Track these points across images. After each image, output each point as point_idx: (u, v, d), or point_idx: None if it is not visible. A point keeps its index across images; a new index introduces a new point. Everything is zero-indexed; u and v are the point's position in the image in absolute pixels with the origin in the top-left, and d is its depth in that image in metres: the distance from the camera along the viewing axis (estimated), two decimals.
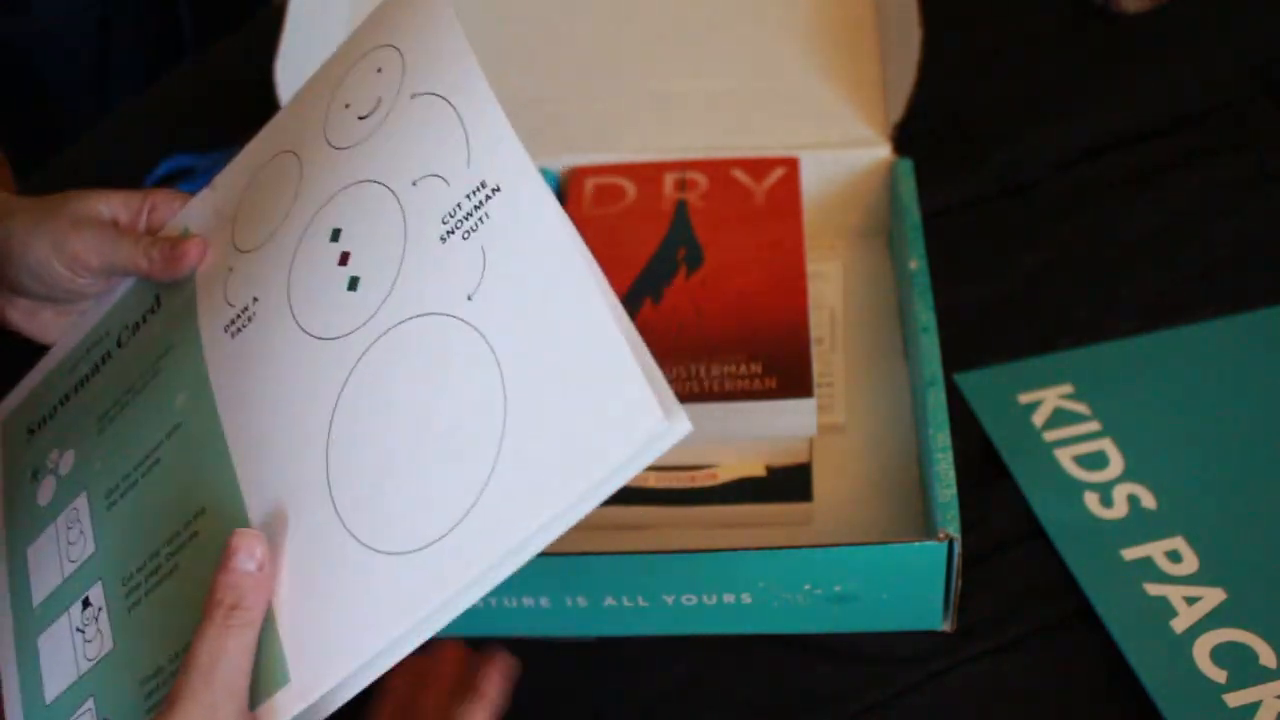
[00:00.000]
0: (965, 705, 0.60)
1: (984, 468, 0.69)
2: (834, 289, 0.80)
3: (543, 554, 0.59)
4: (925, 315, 0.69)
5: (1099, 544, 0.65)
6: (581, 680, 0.63)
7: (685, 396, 0.66)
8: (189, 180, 0.95)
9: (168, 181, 0.96)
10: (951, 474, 0.61)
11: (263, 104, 0.81)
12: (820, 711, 0.60)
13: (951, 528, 0.58)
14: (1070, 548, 0.65)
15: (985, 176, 0.88)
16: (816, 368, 0.73)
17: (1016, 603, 0.63)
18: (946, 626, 0.62)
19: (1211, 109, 0.91)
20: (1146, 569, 0.63)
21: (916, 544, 0.58)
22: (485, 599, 0.60)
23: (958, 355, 0.75)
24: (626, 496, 0.67)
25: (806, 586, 0.60)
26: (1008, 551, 0.65)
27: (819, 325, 0.77)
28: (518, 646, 0.64)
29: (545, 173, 0.82)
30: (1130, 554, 0.63)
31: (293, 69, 0.82)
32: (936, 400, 0.64)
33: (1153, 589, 0.62)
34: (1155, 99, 0.92)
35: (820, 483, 0.68)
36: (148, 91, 1.12)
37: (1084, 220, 0.85)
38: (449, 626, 0.62)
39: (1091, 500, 0.67)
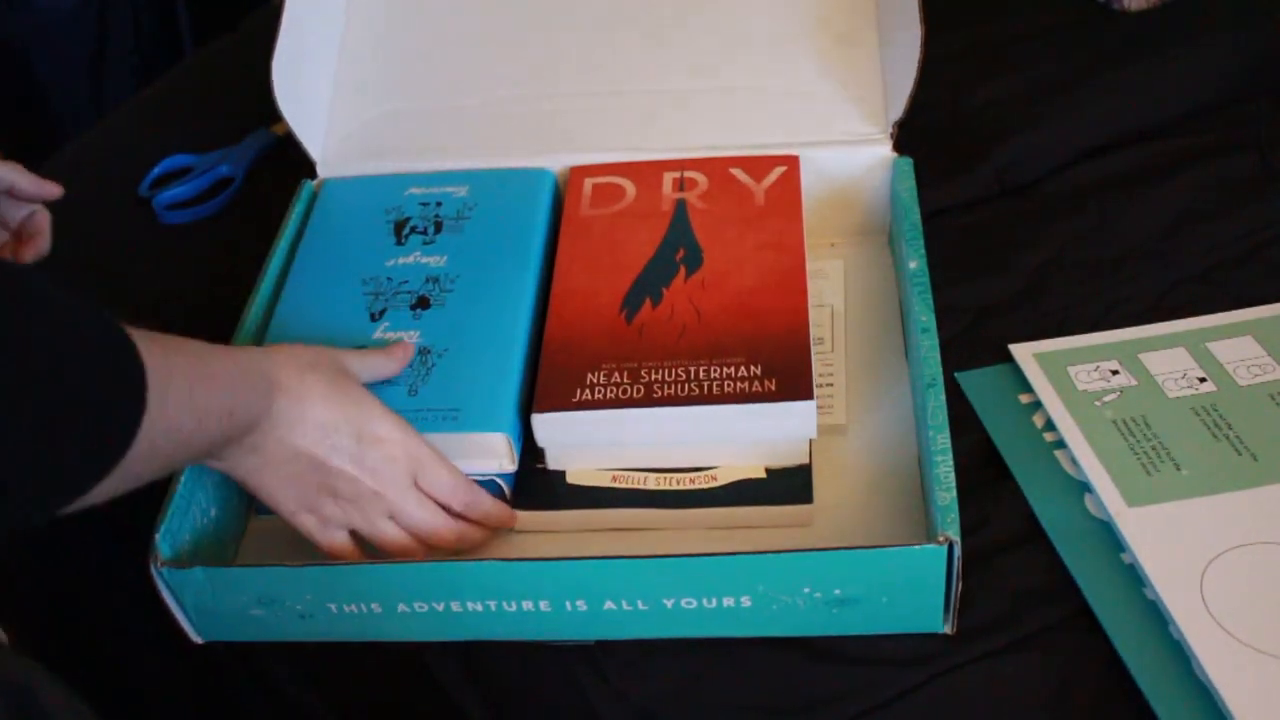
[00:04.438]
0: (965, 707, 0.60)
1: (986, 468, 0.69)
2: (834, 288, 0.80)
3: (543, 558, 0.60)
4: (925, 315, 0.69)
5: (1098, 547, 0.64)
6: (580, 681, 0.62)
7: (685, 399, 0.66)
8: (186, 179, 0.95)
9: (164, 181, 0.96)
10: (951, 477, 0.61)
11: (260, 104, 0.81)
12: (819, 713, 0.60)
13: (951, 531, 0.58)
14: (1070, 550, 0.65)
15: (985, 176, 0.88)
16: (817, 368, 0.73)
17: (1017, 605, 0.63)
18: (947, 629, 0.61)
19: (1213, 108, 0.91)
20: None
21: (916, 547, 0.58)
22: (484, 601, 0.60)
23: (958, 355, 0.75)
24: (626, 499, 0.67)
25: (806, 590, 0.59)
26: (1008, 553, 0.65)
27: (819, 324, 0.77)
28: (517, 648, 0.64)
29: (544, 173, 0.82)
30: (1129, 557, 0.63)
31: (288, 69, 0.82)
32: (936, 401, 0.64)
33: (1151, 593, 0.61)
34: (1157, 98, 0.92)
35: (820, 484, 0.68)
36: (145, 91, 1.12)
37: (1084, 220, 0.85)
38: (445, 632, 0.63)
39: (1091, 502, 0.66)
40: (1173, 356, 0.73)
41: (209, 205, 0.93)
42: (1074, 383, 0.72)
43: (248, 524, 0.71)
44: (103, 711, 0.74)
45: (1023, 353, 0.75)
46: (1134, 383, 0.72)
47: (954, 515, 0.59)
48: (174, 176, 0.96)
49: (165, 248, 0.92)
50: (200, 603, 0.64)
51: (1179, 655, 0.59)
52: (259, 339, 0.73)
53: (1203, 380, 0.71)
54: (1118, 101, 0.92)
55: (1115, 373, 0.72)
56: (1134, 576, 0.63)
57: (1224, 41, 0.94)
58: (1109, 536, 0.65)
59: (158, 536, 0.62)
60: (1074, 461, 0.68)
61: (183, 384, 0.53)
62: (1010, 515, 0.67)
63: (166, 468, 0.56)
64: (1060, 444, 0.69)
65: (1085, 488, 0.67)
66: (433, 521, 0.65)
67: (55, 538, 0.75)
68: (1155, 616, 0.61)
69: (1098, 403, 0.71)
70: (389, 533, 0.65)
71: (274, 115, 0.82)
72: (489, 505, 0.67)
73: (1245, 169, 0.86)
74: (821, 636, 0.62)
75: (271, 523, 0.71)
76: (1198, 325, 0.75)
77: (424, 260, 0.76)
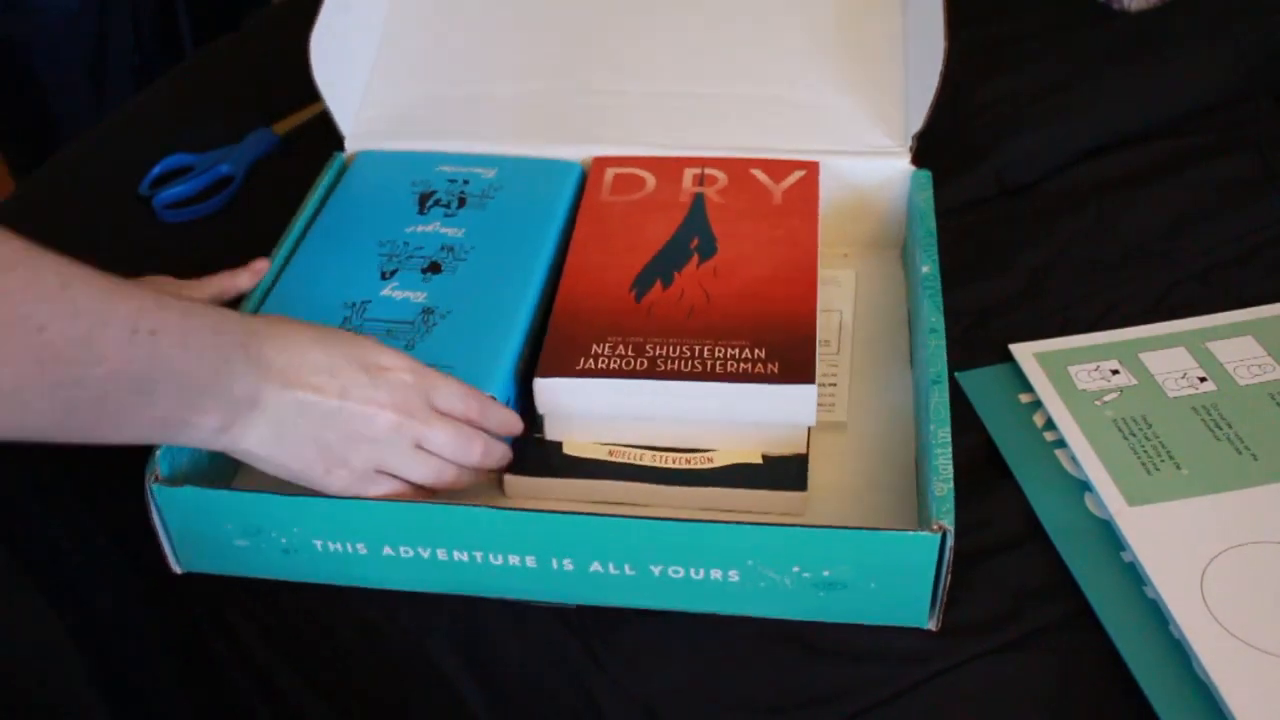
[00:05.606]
0: (965, 705, 0.60)
1: (986, 468, 0.69)
2: (845, 295, 0.80)
3: (530, 510, 0.61)
4: (934, 317, 0.69)
5: (1099, 546, 0.64)
6: (582, 676, 0.62)
7: (687, 375, 0.66)
8: (186, 179, 0.95)
9: (165, 180, 0.96)
10: (949, 469, 0.61)
11: (260, 104, 0.81)
12: (820, 710, 0.60)
13: (946, 520, 0.58)
14: (1070, 548, 0.65)
15: (985, 176, 0.88)
16: (821, 368, 0.73)
17: (1017, 603, 0.63)
18: (932, 625, 0.61)
19: (1213, 108, 0.91)
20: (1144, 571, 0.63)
21: (909, 533, 0.58)
22: (470, 551, 0.61)
23: (958, 355, 0.75)
24: (620, 473, 0.68)
25: (795, 569, 0.60)
26: (1008, 552, 0.65)
27: (827, 329, 0.77)
28: (520, 642, 0.64)
29: (573, 165, 0.83)
30: (1129, 556, 0.63)
31: (327, 45, 0.83)
32: (940, 398, 0.64)
33: (1151, 591, 0.61)
34: (1157, 98, 0.92)
35: (817, 476, 0.68)
36: (145, 91, 1.12)
37: (1084, 220, 0.85)
38: (428, 583, 0.63)
39: (1091, 501, 0.66)
40: (1173, 356, 0.73)
41: (209, 204, 0.93)
42: (1074, 382, 0.72)
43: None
44: (102, 713, 0.74)
45: (1023, 352, 0.75)
46: (1134, 382, 0.72)
47: (949, 506, 0.59)
48: (174, 176, 0.96)
49: (165, 247, 0.91)
50: (185, 526, 0.64)
51: (1179, 654, 0.59)
52: (269, 291, 0.75)
53: (1203, 380, 0.71)
54: (1118, 101, 0.92)
55: (1115, 372, 0.72)
56: (1134, 575, 0.63)
57: (1224, 41, 0.94)
58: (1109, 535, 0.65)
59: (158, 453, 0.63)
60: (1074, 461, 0.68)
61: (40, 262, 0.49)
62: (1010, 515, 0.67)
63: (54, 368, 0.49)
64: (1060, 443, 0.69)
65: (1085, 487, 0.67)
66: (461, 439, 0.64)
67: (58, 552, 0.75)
68: (1155, 615, 0.61)
69: (1098, 402, 0.71)
70: (422, 466, 0.63)
71: (274, 115, 0.82)
72: (499, 410, 0.67)
73: (1245, 169, 0.86)
74: (822, 634, 0.62)
75: None
76: (1198, 325, 0.75)
77: (443, 230, 0.78)
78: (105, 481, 0.70)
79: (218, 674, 0.68)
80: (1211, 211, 0.84)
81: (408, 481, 0.64)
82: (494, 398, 0.68)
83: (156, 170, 0.96)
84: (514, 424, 0.68)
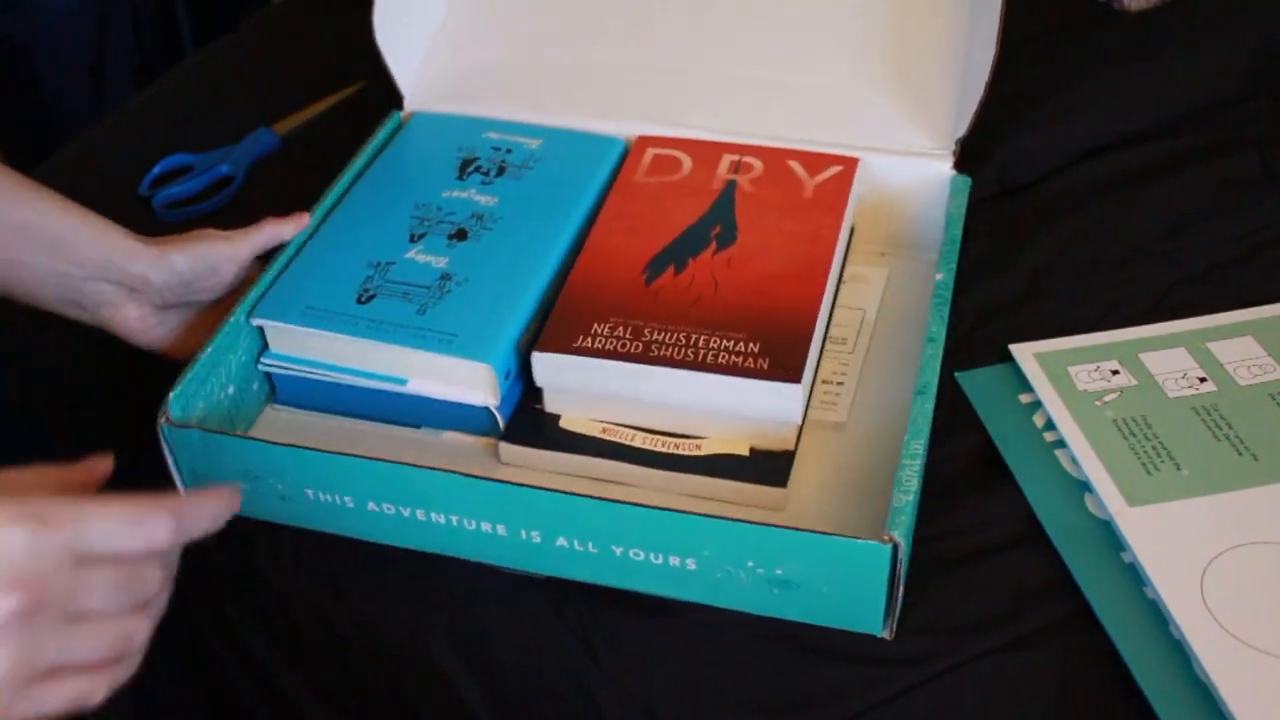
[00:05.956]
0: (965, 706, 0.60)
1: (986, 468, 0.69)
2: (872, 293, 0.80)
3: (506, 482, 0.62)
4: (936, 325, 0.69)
5: (1099, 546, 0.64)
6: (582, 676, 0.62)
7: (678, 363, 0.67)
8: (186, 178, 0.95)
9: (165, 180, 0.96)
10: (914, 481, 0.61)
11: (260, 104, 0.81)
12: (820, 710, 0.60)
13: (899, 532, 0.58)
14: (1070, 549, 0.65)
15: (985, 176, 0.88)
16: (830, 365, 0.73)
17: (1017, 604, 0.63)
18: (886, 634, 0.61)
19: (1213, 108, 0.91)
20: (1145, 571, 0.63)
21: (858, 541, 0.58)
22: (446, 514, 0.63)
23: (958, 355, 0.75)
24: (609, 451, 0.69)
25: (749, 564, 0.60)
26: (1008, 552, 0.65)
27: (847, 326, 0.77)
28: (520, 641, 0.64)
29: (615, 141, 0.84)
30: (1129, 556, 0.63)
31: (390, 8, 0.84)
32: (921, 408, 0.65)
33: (1151, 591, 0.61)
34: (1156, 98, 0.92)
35: (806, 475, 0.68)
36: (145, 90, 1.12)
37: (1084, 220, 0.85)
38: (408, 539, 0.65)
39: (1091, 501, 0.66)
40: (1173, 356, 0.73)
41: (209, 204, 0.93)
42: (1074, 383, 0.72)
43: (262, 411, 0.74)
44: (100, 711, 0.74)
45: (1023, 353, 0.75)
46: (1134, 383, 0.72)
47: (906, 518, 0.59)
48: (174, 176, 0.96)
49: None
50: (194, 466, 0.67)
51: (1179, 654, 0.59)
52: (303, 245, 0.76)
53: (1203, 380, 0.71)
54: (1118, 101, 0.92)
55: (1115, 373, 0.72)
56: (1134, 576, 0.63)
57: (1224, 41, 0.94)
58: (1109, 536, 0.65)
59: (171, 396, 0.65)
60: (1074, 461, 0.68)
61: None
62: (1010, 515, 0.67)
63: None
64: (1060, 444, 0.69)
65: (1085, 487, 0.67)
66: (132, 579, 0.48)
67: None
68: (1155, 615, 0.61)
69: (1098, 402, 0.71)
70: (93, 640, 0.47)
71: (274, 115, 0.82)
72: (202, 504, 0.51)
73: (1245, 169, 0.86)
74: (822, 635, 0.62)
75: (286, 415, 0.74)
76: (1198, 325, 0.75)
77: (477, 198, 0.79)
78: (106, 482, 0.70)
79: (218, 674, 0.68)
80: (1211, 211, 0.84)
81: (88, 665, 0.47)
82: (486, 412, 0.70)
83: (156, 170, 0.96)
84: (222, 505, 0.52)
